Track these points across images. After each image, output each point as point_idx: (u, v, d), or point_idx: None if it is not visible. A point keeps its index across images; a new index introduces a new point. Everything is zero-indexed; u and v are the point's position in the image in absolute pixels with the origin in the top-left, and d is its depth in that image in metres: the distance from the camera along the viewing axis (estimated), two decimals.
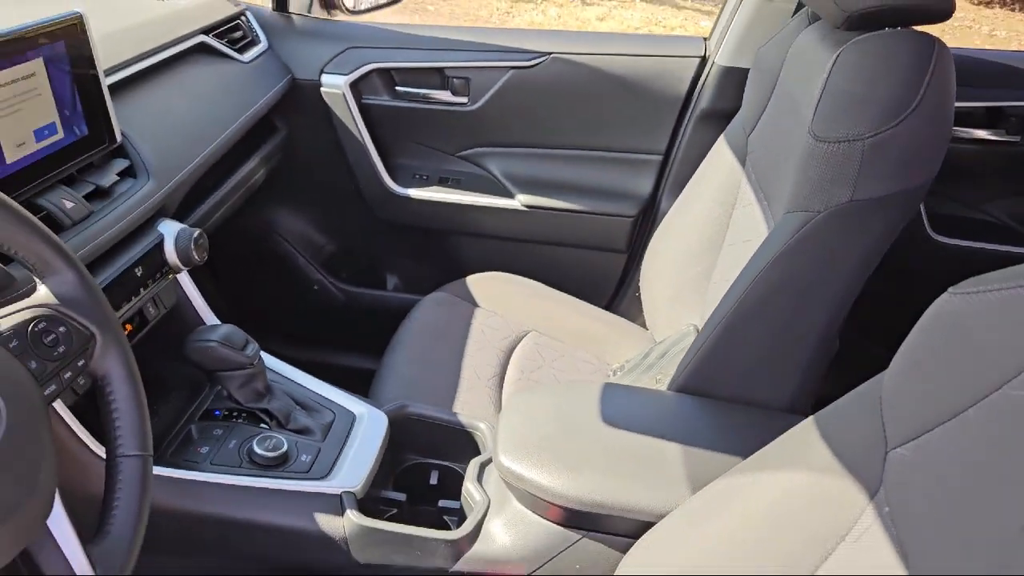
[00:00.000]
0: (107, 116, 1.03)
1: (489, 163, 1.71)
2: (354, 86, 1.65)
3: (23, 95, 0.90)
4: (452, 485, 1.06)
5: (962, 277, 0.56)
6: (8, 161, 0.88)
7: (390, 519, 0.95)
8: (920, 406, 0.56)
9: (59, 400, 0.82)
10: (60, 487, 0.63)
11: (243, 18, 1.62)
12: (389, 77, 1.67)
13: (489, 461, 1.01)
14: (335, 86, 1.64)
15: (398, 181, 1.72)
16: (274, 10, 1.71)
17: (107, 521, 0.67)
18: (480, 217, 1.71)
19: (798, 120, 1.02)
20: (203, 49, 1.45)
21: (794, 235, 0.93)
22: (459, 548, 0.91)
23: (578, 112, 1.63)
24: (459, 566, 0.92)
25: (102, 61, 1.02)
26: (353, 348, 1.83)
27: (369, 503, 0.99)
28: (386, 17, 1.84)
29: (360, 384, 1.27)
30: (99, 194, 1.00)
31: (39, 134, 0.93)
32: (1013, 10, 7.23)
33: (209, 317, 1.16)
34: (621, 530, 0.87)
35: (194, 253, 1.06)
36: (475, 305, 1.49)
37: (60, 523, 0.62)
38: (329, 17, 1.75)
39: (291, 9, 1.71)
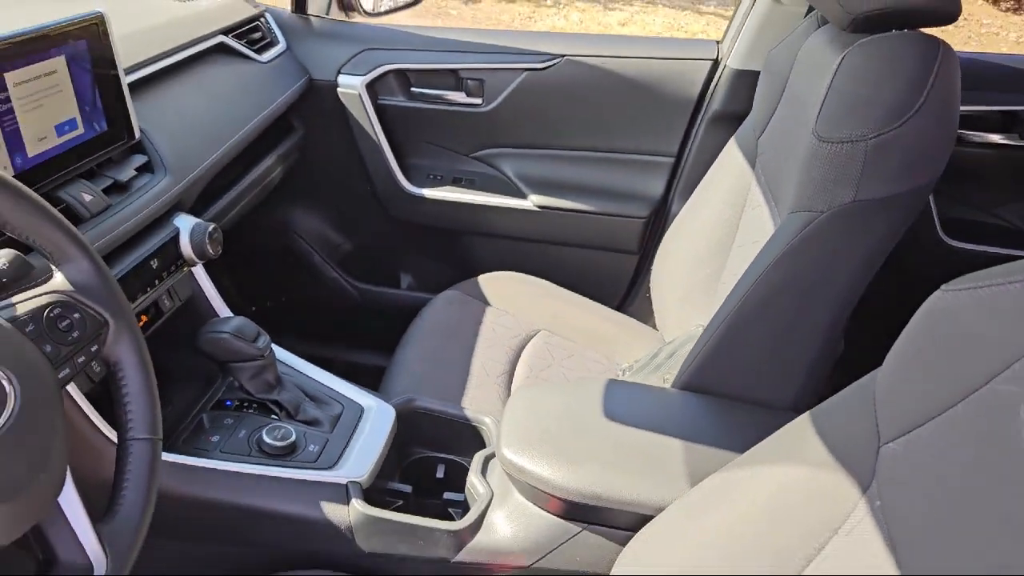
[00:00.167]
0: (126, 113, 1.06)
1: (502, 164, 1.73)
2: (370, 87, 1.67)
3: (45, 91, 0.93)
4: (458, 478, 1.08)
5: None
6: (30, 155, 0.91)
7: (396, 510, 0.97)
8: (912, 401, 0.57)
9: (74, 386, 0.84)
10: (73, 469, 0.65)
11: (262, 19, 1.65)
12: (404, 78, 1.70)
13: (493, 455, 1.02)
14: (351, 87, 1.66)
15: (412, 181, 1.74)
16: (293, 12, 1.74)
17: (117, 501, 0.69)
18: (493, 217, 1.72)
19: (804, 122, 1.03)
20: (222, 49, 1.48)
21: (797, 235, 0.93)
22: (461, 538, 0.93)
23: (591, 114, 1.64)
24: (461, 556, 0.93)
25: (123, 60, 1.05)
26: (366, 345, 1.85)
27: (375, 494, 1.01)
28: (406, 20, 1.85)
29: (371, 380, 1.29)
30: (117, 188, 1.03)
31: (60, 129, 0.96)
32: None
33: (223, 310, 1.18)
34: (621, 523, 0.88)
35: (208, 247, 1.09)
36: (486, 304, 1.50)
37: (71, 501, 0.64)
38: (347, 19, 1.78)
39: (310, 11, 1.74)
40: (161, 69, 1.25)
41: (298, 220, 1.84)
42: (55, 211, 0.68)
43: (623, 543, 0.79)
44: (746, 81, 1.49)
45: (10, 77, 0.88)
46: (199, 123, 1.27)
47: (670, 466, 0.90)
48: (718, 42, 1.61)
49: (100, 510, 0.69)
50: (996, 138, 1.49)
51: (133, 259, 1.01)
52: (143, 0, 1.54)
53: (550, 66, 1.62)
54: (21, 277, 0.68)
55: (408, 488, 1.04)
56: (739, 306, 0.98)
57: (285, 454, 0.99)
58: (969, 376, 0.52)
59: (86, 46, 0.99)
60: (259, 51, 1.57)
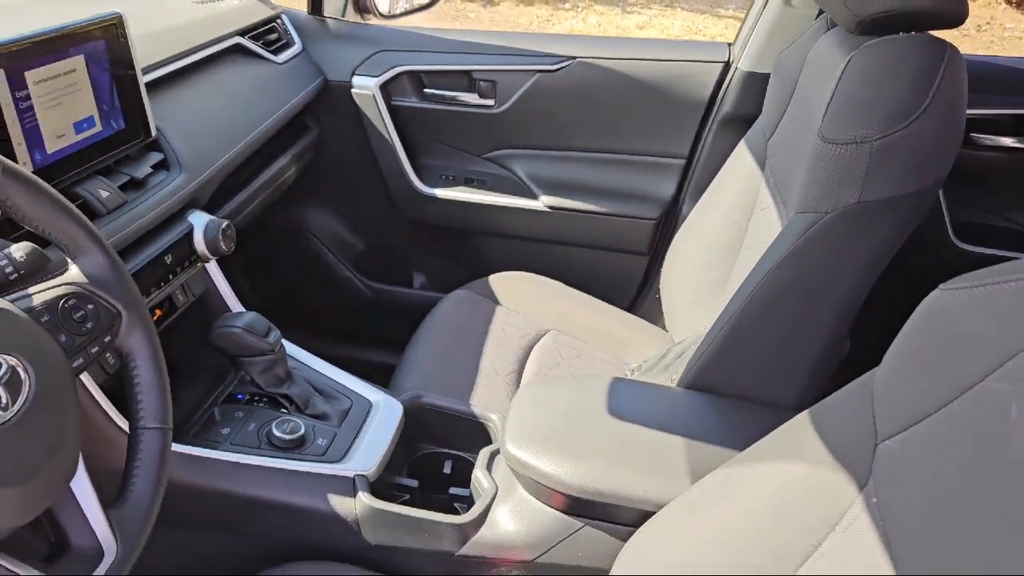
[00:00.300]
0: (143, 111, 1.09)
1: (514, 164, 1.74)
2: (384, 88, 1.69)
3: (64, 89, 0.95)
4: (464, 474, 1.09)
5: None
6: (49, 151, 0.93)
7: (403, 504, 0.98)
8: (909, 399, 0.57)
9: (89, 377, 0.86)
10: (86, 457, 0.67)
11: (278, 21, 1.68)
12: (418, 79, 1.71)
13: (499, 451, 1.03)
14: (366, 87, 1.68)
15: (425, 181, 1.76)
16: (309, 14, 1.76)
17: (127, 488, 0.71)
18: (504, 217, 1.74)
19: (811, 123, 1.03)
20: (239, 50, 1.50)
21: (802, 236, 0.94)
22: (465, 532, 0.94)
23: (602, 115, 1.65)
24: (465, 550, 0.94)
25: (141, 59, 1.08)
26: (377, 343, 1.87)
27: (382, 488, 1.02)
28: (423, 22, 1.87)
29: (382, 377, 1.30)
30: (133, 185, 1.05)
31: (78, 127, 0.98)
32: None
33: (235, 306, 1.20)
34: (623, 519, 0.89)
35: (222, 243, 1.11)
36: (496, 303, 1.51)
37: (83, 486, 0.66)
38: (362, 21, 1.80)
39: (325, 13, 1.76)
40: (178, 69, 1.28)
41: (312, 219, 1.86)
42: (71, 205, 0.70)
43: (625, 539, 0.80)
44: (757, 83, 1.49)
45: (31, 76, 0.90)
46: (215, 122, 1.29)
47: (673, 463, 0.91)
48: (729, 44, 1.62)
49: (111, 497, 0.71)
50: (1007, 141, 1.48)
51: (148, 254, 1.03)
52: (161, 1, 1.56)
53: (562, 68, 1.63)
54: (38, 269, 0.70)
55: (414, 483, 1.06)
56: (744, 306, 0.98)
57: (294, 447, 1.00)
58: (965, 374, 0.53)
59: (105, 46, 1.01)
60: (275, 52, 1.59)
